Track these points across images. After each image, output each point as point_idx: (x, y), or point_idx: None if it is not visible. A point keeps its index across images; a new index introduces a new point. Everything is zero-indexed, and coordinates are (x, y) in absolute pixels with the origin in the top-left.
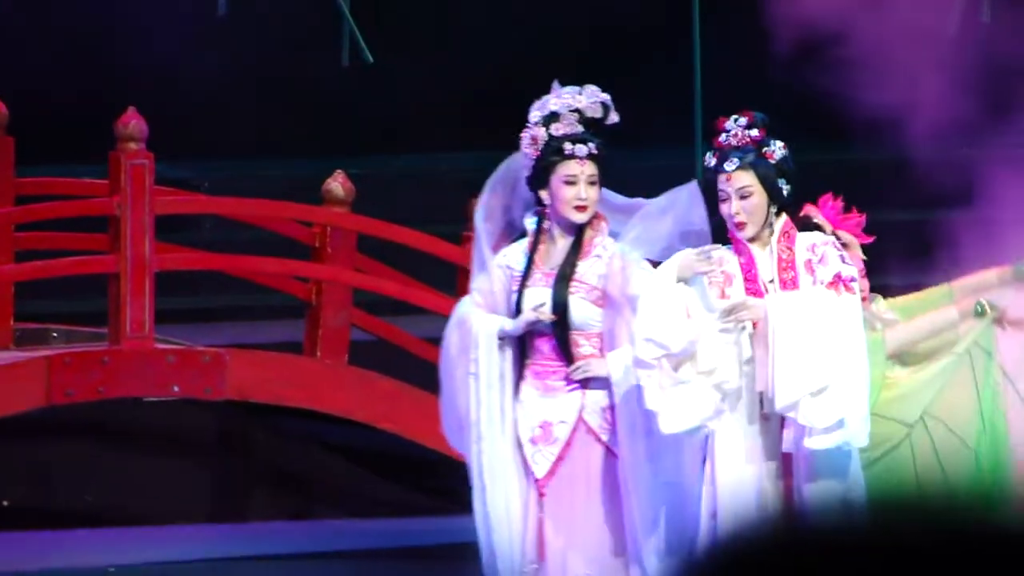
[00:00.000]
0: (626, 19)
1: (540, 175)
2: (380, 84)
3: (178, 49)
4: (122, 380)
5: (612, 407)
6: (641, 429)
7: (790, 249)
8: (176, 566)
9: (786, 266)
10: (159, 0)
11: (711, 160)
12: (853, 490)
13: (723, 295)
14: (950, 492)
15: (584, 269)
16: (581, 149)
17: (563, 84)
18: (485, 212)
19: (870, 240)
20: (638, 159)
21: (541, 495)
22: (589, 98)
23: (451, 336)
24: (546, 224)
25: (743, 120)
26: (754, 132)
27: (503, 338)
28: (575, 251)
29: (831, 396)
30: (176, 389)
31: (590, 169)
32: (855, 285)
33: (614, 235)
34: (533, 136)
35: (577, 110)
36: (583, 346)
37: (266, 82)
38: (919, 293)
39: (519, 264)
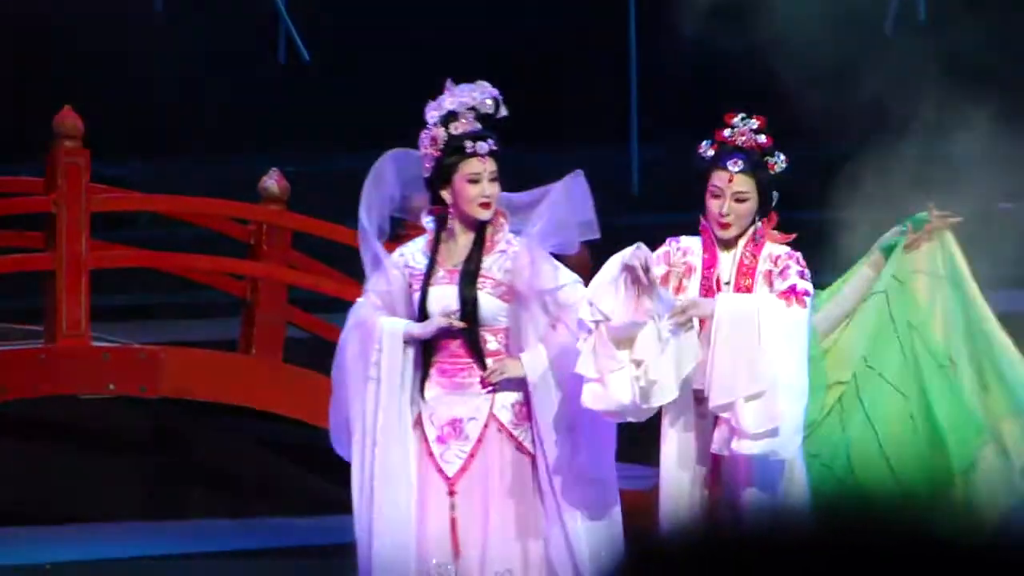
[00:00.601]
0: (563, 17)
1: (442, 175)
2: (317, 83)
3: (115, 47)
4: (58, 378)
5: (522, 402)
6: (562, 428)
7: (754, 256)
8: (114, 563)
9: (746, 271)
10: None
11: (708, 151)
12: (792, 496)
13: (680, 286)
14: (882, 481)
15: (489, 264)
16: (482, 147)
17: (497, 84)
18: (367, 213)
19: (791, 238)
20: (579, 153)
21: (452, 493)
22: (482, 94)
23: (349, 339)
24: (448, 223)
25: (754, 123)
26: (762, 138)
27: (407, 341)
28: (479, 247)
29: (767, 402)
30: (112, 387)
31: (491, 166)
32: (808, 300)
33: (514, 231)
34: (433, 137)
35: (473, 107)
36: (490, 342)
37: (203, 80)
38: (844, 276)
39: (419, 263)
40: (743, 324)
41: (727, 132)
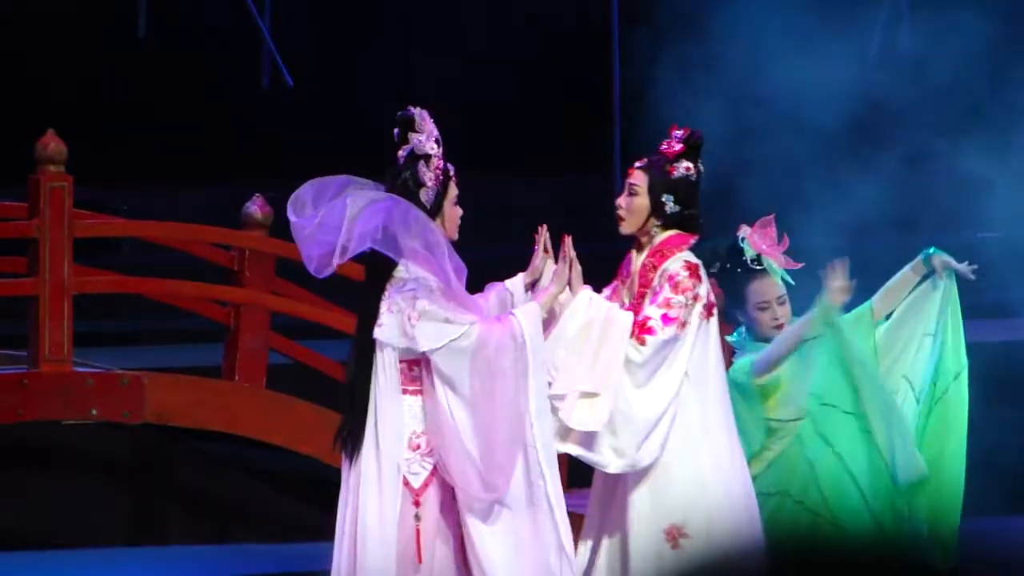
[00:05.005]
0: (547, 47)
1: (439, 202)
2: (300, 107)
3: (98, 71)
4: (41, 403)
5: None
6: None
7: (655, 268)
8: None
9: (644, 281)
10: (79, 22)
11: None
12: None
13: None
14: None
15: None
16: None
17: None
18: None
19: (798, 266)
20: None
21: (417, 504)
22: None
23: (505, 359)
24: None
25: (679, 132)
26: (677, 146)
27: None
28: None
29: (597, 404)
30: (95, 412)
31: None
32: (651, 339)
33: None
34: (439, 165)
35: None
36: None
37: (186, 105)
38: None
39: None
40: (587, 328)
41: (664, 144)
